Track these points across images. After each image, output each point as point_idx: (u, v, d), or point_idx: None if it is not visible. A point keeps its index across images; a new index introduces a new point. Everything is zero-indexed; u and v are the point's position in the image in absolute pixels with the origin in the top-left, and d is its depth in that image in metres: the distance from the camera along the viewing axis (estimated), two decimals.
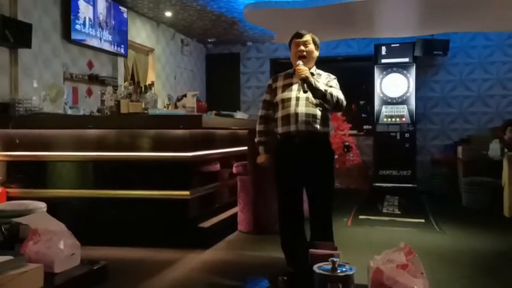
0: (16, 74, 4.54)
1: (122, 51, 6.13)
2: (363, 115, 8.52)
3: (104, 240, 3.69)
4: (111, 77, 5.93)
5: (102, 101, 4.35)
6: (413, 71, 7.77)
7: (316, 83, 2.78)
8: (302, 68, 2.78)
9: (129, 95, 4.19)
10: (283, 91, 2.92)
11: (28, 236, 1.76)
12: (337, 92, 2.83)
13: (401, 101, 7.80)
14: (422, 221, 5.16)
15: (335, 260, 1.42)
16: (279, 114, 2.90)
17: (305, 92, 2.78)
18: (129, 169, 3.98)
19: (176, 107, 4.48)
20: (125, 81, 6.02)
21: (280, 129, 2.90)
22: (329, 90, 2.80)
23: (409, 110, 7.76)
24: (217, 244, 4.04)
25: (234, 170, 4.57)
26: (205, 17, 6.97)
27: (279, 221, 3.03)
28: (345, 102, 2.86)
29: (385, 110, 7.86)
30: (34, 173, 4.12)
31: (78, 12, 5.28)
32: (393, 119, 7.81)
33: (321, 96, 2.78)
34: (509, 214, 5.18)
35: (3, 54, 4.45)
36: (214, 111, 4.88)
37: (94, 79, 5.63)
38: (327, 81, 2.91)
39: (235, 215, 4.57)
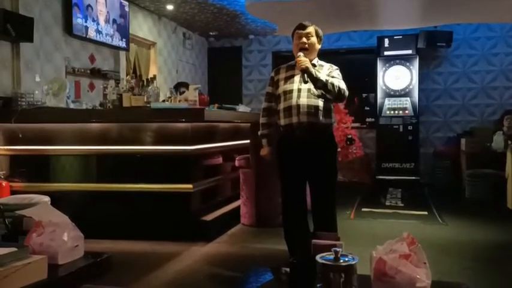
0: (18, 68, 4.54)
1: (124, 45, 6.11)
2: (365, 108, 8.50)
3: (107, 233, 3.70)
4: (113, 71, 5.92)
5: (105, 95, 4.35)
6: (416, 63, 7.73)
7: (317, 73, 2.77)
8: (302, 59, 2.77)
9: (131, 88, 4.19)
10: (285, 83, 2.91)
11: (32, 228, 1.76)
12: (338, 82, 2.82)
13: (404, 93, 7.77)
14: (425, 213, 5.16)
15: (338, 250, 1.42)
16: (281, 106, 2.90)
17: (305, 82, 2.77)
18: (131, 163, 3.99)
19: (179, 100, 4.47)
20: (127, 75, 6.02)
21: (282, 121, 2.90)
22: (330, 80, 2.79)
23: (412, 103, 7.73)
24: (220, 237, 4.05)
25: (237, 163, 4.57)
26: (206, 10, 6.94)
27: (282, 213, 3.03)
28: (347, 92, 2.85)
29: (388, 103, 7.83)
30: (37, 166, 4.13)
31: (80, 6, 5.27)
32: (396, 112, 7.79)
33: (322, 86, 2.77)
34: None
35: (5, 48, 4.45)
36: (216, 105, 4.88)
37: (96, 73, 5.62)
38: (329, 72, 2.89)
39: (237, 208, 4.58)
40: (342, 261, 1.41)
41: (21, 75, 4.54)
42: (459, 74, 7.94)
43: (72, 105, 4.40)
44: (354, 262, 1.41)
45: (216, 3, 6.58)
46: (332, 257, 1.42)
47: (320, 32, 2.97)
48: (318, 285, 1.42)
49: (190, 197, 3.92)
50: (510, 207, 5.20)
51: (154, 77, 4.54)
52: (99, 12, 5.62)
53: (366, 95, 8.49)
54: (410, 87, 7.75)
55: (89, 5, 5.42)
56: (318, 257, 1.43)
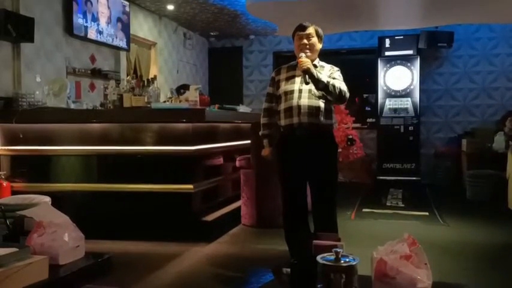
0: (19, 68, 4.54)
1: (124, 45, 6.12)
2: (366, 108, 8.50)
3: (108, 234, 3.70)
4: (113, 71, 5.93)
5: (105, 95, 4.35)
6: (417, 63, 7.73)
7: (319, 74, 2.77)
8: (304, 59, 2.77)
9: (131, 89, 4.19)
10: (286, 83, 2.91)
11: (33, 228, 1.76)
12: (339, 84, 2.82)
13: (405, 93, 7.77)
14: (426, 213, 5.15)
15: (338, 250, 1.42)
16: (282, 106, 2.90)
17: (307, 83, 2.77)
18: (132, 163, 3.99)
19: (180, 100, 4.47)
20: (127, 75, 6.02)
21: (282, 122, 2.90)
22: (331, 81, 2.79)
23: (413, 103, 7.73)
24: (221, 237, 4.05)
25: (237, 163, 4.57)
26: (207, 10, 6.94)
27: (282, 213, 3.03)
28: (347, 94, 2.85)
29: (389, 103, 7.83)
30: (38, 167, 4.14)
31: (80, 6, 5.27)
32: (397, 112, 7.78)
33: (323, 87, 2.77)
34: None
35: (6, 49, 4.45)
36: (217, 105, 4.87)
37: (97, 73, 5.62)
38: (330, 73, 2.89)
39: (238, 209, 4.58)
40: (342, 261, 1.41)
41: (21, 76, 4.55)
42: (460, 75, 7.94)
43: (72, 106, 4.40)
44: (354, 263, 1.41)
45: (216, 3, 6.58)
46: (333, 257, 1.42)
47: (320, 31, 2.96)
48: (319, 285, 1.42)
49: (191, 197, 3.92)
50: (511, 207, 5.19)
51: (154, 77, 4.54)
52: (101, 13, 5.63)
53: (366, 95, 8.49)
54: (411, 87, 7.75)
55: (89, 5, 5.41)
56: (318, 258, 1.44)
